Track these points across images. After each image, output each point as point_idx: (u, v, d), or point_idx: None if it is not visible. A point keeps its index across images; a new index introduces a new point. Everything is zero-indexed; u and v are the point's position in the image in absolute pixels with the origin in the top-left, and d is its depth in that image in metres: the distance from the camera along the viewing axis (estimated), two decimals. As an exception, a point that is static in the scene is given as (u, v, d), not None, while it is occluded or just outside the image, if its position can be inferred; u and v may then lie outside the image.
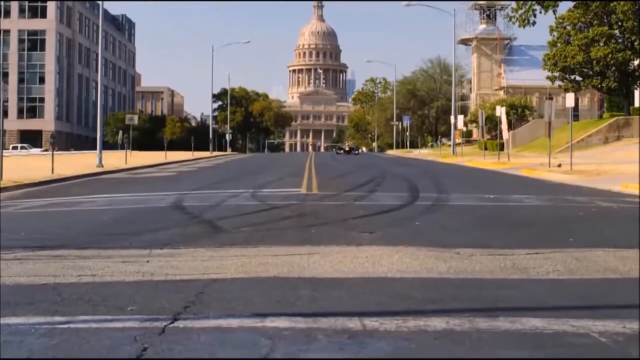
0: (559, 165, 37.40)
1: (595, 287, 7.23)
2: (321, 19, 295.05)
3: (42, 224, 13.81)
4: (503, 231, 11.69)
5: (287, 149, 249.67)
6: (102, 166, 43.66)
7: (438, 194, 21.55)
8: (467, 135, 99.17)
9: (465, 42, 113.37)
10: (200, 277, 7.57)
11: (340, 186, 24.93)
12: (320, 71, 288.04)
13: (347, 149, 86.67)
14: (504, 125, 50.58)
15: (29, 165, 45.30)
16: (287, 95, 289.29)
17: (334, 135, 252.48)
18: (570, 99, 38.52)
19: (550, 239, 10.87)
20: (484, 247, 9.76)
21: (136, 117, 67.44)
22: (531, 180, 31.76)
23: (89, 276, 7.67)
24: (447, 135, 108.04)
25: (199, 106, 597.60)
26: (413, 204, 17.64)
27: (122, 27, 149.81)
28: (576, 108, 75.53)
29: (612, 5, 64.93)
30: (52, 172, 34.33)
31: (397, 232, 11.49)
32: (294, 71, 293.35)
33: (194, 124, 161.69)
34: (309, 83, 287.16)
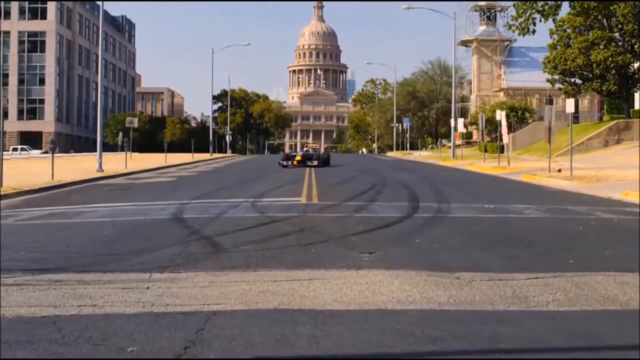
0: (559, 170, 37.41)
1: (595, 320, 7.22)
2: (321, 19, 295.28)
3: (42, 239, 13.80)
4: (503, 251, 11.68)
5: (287, 150, 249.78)
6: (102, 170, 43.67)
7: (438, 203, 21.55)
8: (467, 136, 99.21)
9: (465, 43, 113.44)
10: (200, 308, 7.56)
11: (340, 194, 24.91)
12: (320, 71, 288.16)
13: (299, 157, 50.72)
14: (504, 129, 50.57)
15: (29, 169, 45.34)
16: (287, 95, 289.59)
17: (334, 135, 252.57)
18: (570, 105, 38.49)
19: (550, 259, 10.88)
20: (484, 270, 9.77)
21: (136, 120, 67.43)
22: (531, 186, 31.75)
23: (89, 306, 7.66)
24: (447, 136, 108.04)
25: (198, 106, 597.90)
26: (413, 216, 17.64)
27: (122, 27, 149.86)
28: (576, 110, 75.51)
29: (612, 7, 64.92)
30: (52, 177, 34.36)
31: (397, 252, 11.48)
32: (294, 71, 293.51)
33: (193, 124, 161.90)
34: (309, 83, 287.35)
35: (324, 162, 50.76)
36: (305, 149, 57.00)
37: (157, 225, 16.24)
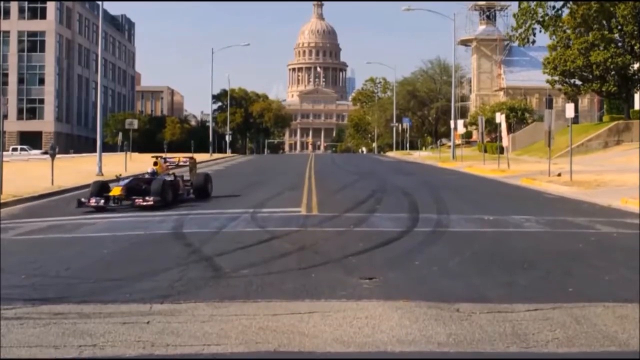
0: (559, 174, 37.41)
1: (594, 365, 7.26)
2: (321, 17, 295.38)
3: (41, 259, 13.81)
4: (502, 275, 11.69)
5: (287, 148, 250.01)
6: (102, 174, 43.76)
7: (437, 214, 21.57)
8: (467, 135, 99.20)
9: (464, 42, 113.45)
10: (201, 350, 7.55)
11: (339, 204, 24.90)
12: (320, 69, 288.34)
13: (119, 190, 24.75)
14: (504, 133, 50.60)
15: (29, 173, 45.33)
16: (287, 93, 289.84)
17: (334, 134, 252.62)
18: (569, 110, 38.52)
19: (550, 286, 10.88)
20: (483, 299, 9.78)
21: (135, 122, 67.51)
22: (531, 192, 31.77)
23: (90, 347, 7.66)
24: (447, 135, 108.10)
25: (198, 104, 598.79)
26: (412, 231, 17.66)
27: (122, 27, 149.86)
28: (575, 109, 75.62)
29: (611, 9, 64.94)
30: (52, 182, 34.42)
31: (396, 277, 11.50)
32: (294, 69, 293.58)
33: (193, 122, 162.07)
34: (309, 81, 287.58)
35: (199, 190, 27.86)
36: (149, 171, 27.61)
37: (157, 242, 16.26)
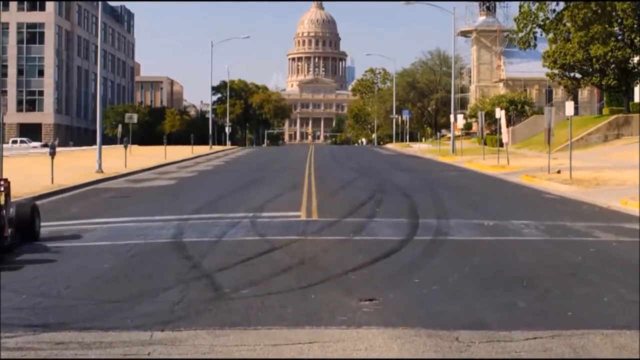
0: (559, 171, 37.47)
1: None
2: (320, 6, 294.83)
3: (42, 275, 13.81)
4: (502, 296, 11.68)
5: (287, 139, 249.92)
6: (102, 171, 43.81)
7: (437, 219, 21.65)
8: (467, 127, 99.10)
9: (464, 33, 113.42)
10: (201, 389, 7.61)
11: (339, 206, 25.01)
12: (318, 59, 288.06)
13: None
14: (504, 129, 50.57)
15: (28, 170, 45.26)
16: (287, 83, 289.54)
17: (334, 124, 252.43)
18: (569, 107, 38.61)
19: (549, 308, 10.88)
20: (483, 325, 9.79)
21: (135, 116, 67.63)
22: (530, 192, 31.92)
23: (91, 386, 7.72)
24: (447, 126, 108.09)
25: (198, 94, 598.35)
26: (412, 239, 17.73)
27: (121, 18, 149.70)
28: (575, 100, 75.77)
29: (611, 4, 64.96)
30: (52, 181, 34.42)
31: (396, 299, 11.51)
32: (293, 59, 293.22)
33: (192, 112, 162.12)
34: (308, 71, 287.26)
35: (19, 230, 17.71)
36: None
37: (157, 254, 16.29)
